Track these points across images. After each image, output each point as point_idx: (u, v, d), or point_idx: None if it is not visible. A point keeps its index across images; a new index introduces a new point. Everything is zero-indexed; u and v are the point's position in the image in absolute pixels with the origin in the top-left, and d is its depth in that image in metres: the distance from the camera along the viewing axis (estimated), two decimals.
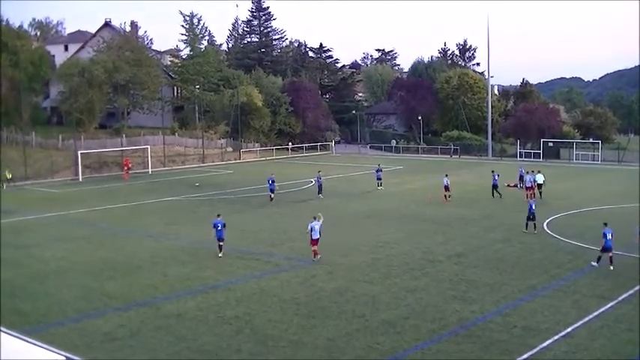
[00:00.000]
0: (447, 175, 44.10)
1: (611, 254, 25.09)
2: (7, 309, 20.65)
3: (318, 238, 26.70)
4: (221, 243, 28.06)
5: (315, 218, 27.14)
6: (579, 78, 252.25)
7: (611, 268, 24.79)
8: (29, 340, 9.45)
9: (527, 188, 42.91)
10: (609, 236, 25.04)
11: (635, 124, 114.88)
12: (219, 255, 27.95)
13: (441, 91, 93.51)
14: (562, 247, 28.74)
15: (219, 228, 28.08)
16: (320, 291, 22.46)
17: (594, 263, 25.40)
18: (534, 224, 32.17)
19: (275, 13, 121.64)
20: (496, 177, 44.18)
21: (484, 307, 20.44)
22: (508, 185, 47.81)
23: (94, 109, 69.50)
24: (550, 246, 28.96)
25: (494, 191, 43.73)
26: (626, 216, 36.09)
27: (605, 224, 25.56)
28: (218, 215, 29.12)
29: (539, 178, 42.89)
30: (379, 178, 49.71)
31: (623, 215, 36.70)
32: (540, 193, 42.57)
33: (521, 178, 47.08)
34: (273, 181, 44.47)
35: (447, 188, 42.89)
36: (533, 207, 32.28)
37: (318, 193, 45.45)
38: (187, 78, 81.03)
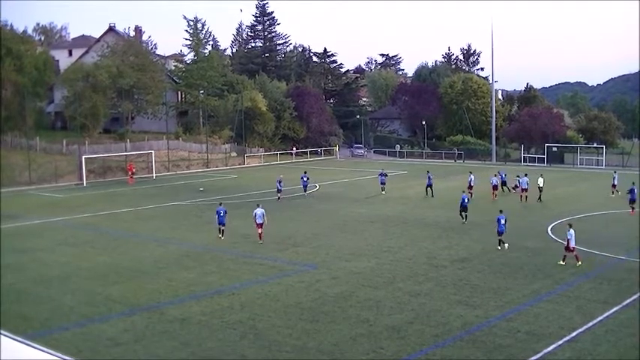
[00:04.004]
0: (494, 175, 46.72)
1: (501, 237, 29.19)
2: (12, 313, 20.71)
3: (261, 223, 31.42)
4: (222, 227, 32.48)
5: (258, 206, 32.41)
6: (583, 83, 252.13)
7: (506, 246, 28.97)
8: (33, 344, 9.46)
9: (523, 190, 44.61)
10: (503, 222, 29.17)
11: (638, 129, 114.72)
12: (221, 237, 32.31)
13: (445, 96, 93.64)
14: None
15: (222, 214, 32.48)
16: (324, 296, 22.46)
17: (499, 247, 29.11)
18: (465, 215, 36.15)
19: (279, 18, 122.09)
20: (431, 177, 47.68)
21: (488, 311, 20.41)
22: (514, 187, 47.99)
23: (98, 113, 69.68)
24: (554, 250, 28.86)
25: (430, 190, 47.07)
26: (629, 221, 36.07)
27: (501, 211, 29.77)
28: (220, 204, 33.67)
29: (524, 182, 44.63)
30: (383, 183, 49.94)
31: (626, 220, 36.67)
32: (526, 197, 44.29)
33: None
34: (280, 182, 47.41)
35: (495, 187, 45.76)
36: (466, 200, 36.48)
37: (304, 192, 48.89)
38: (191, 83, 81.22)
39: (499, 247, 29.18)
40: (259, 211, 31.77)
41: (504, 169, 58.04)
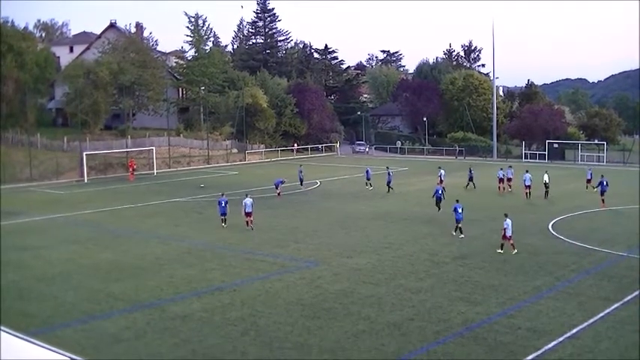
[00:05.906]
0: (501, 169, 49.21)
1: (460, 225, 31.27)
2: (13, 310, 20.73)
3: (250, 212, 33.56)
4: (224, 217, 34.53)
5: (246, 195, 34.66)
6: (584, 79, 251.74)
7: (462, 236, 30.89)
8: (34, 341, 9.47)
9: (526, 186, 44.66)
10: (460, 210, 31.25)
11: (639, 126, 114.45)
12: (223, 225, 34.41)
13: (446, 93, 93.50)
14: (567, 249, 28.70)
15: (223, 205, 34.51)
16: (325, 292, 22.48)
17: (454, 232, 31.52)
18: (439, 206, 37.91)
19: (280, 14, 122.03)
20: (390, 173, 49.36)
21: (489, 308, 20.44)
22: (508, 180, 48.77)
23: (99, 110, 69.51)
24: (555, 247, 28.92)
25: (389, 187, 48.24)
26: (629, 217, 36.07)
27: (457, 201, 32.18)
28: (222, 194, 35.95)
29: (527, 179, 44.71)
30: (368, 178, 51.06)
31: (627, 216, 36.66)
32: (527, 193, 44.53)
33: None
34: (282, 182, 48.37)
35: (509, 180, 47.91)
36: (440, 192, 38.39)
37: (300, 185, 50.99)
38: (192, 79, 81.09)
39: (454, 233, 31.53)
40: (248, 200, 33.87)
41: (500, 166, 58.01)
